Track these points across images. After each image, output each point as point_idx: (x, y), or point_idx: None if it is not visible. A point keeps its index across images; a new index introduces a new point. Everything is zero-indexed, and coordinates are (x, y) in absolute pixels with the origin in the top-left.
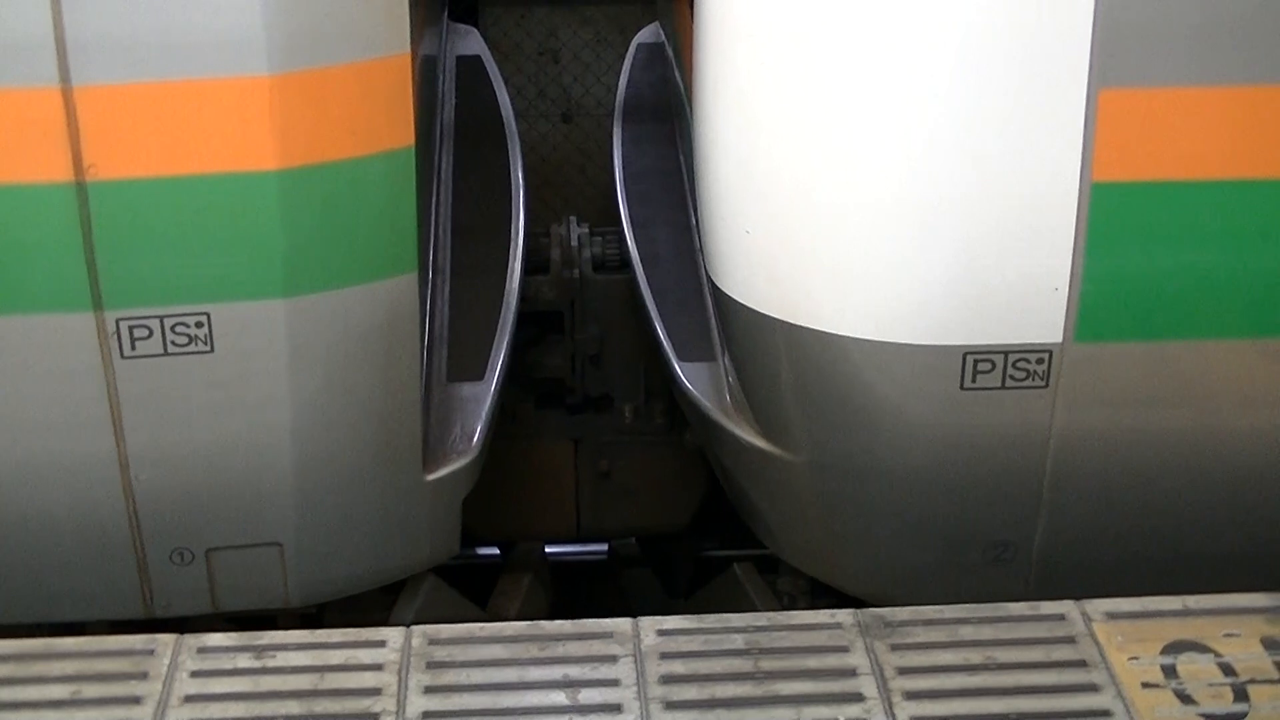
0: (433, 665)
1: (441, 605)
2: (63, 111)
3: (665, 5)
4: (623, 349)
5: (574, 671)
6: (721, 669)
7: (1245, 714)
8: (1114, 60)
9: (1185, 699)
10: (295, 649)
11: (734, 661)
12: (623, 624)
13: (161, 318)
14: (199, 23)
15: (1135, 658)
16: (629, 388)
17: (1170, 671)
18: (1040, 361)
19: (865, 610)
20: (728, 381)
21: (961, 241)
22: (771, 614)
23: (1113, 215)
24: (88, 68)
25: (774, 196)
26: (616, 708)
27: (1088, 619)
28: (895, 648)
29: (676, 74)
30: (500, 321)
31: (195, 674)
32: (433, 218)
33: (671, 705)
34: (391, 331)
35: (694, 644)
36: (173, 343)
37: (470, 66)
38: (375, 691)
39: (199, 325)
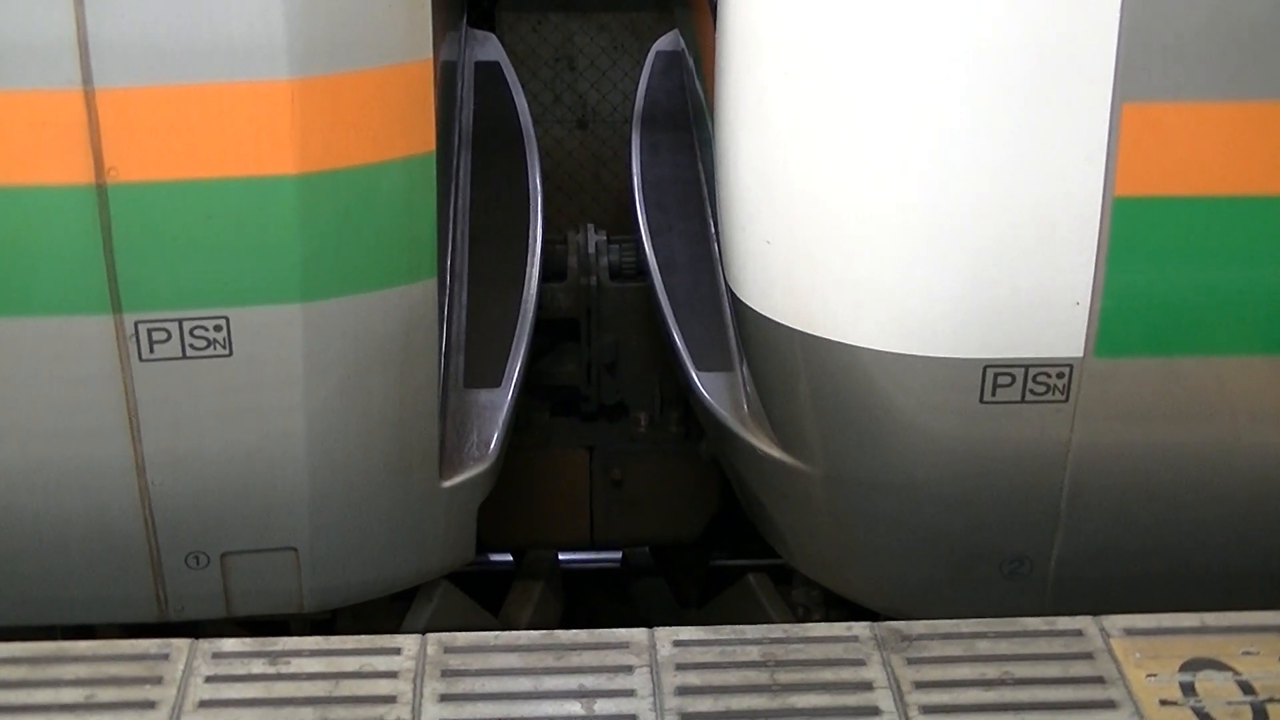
0: (448, 673)
1: (454, 612)
2: (84, 113)
3: (684, 14)
4: (638, 357)
5: (589, 681)
6: (737, 681)
7: None
8: (1137, 74)
9: (1203, 717)
10: (310, 655)
11: (750, 673)
12: (639, 634)
13: (180, 321)
14: (220, 26)
15: (1153, 674)
16: (644, 396)
17: (1188, 689)
18: (1060, 376)
19: (882, 623)
20: (745, 391)
21: (982, 254)
22: (787, 626)
23: (1134, 230)
24: (109, 70)
25: (793, 207)
26: (632, 718)
27: (1105, 635)
28: (912, 661)
29: (696, 82)
30: (517, 328)
31: (210, 679)
32: (451, 223)
33: (687, 716)
34: (409, 337)
35: (710, 655)
36: (191, 346)
37: (489, 73)
38: (390, 699)
39: (218, 329)
